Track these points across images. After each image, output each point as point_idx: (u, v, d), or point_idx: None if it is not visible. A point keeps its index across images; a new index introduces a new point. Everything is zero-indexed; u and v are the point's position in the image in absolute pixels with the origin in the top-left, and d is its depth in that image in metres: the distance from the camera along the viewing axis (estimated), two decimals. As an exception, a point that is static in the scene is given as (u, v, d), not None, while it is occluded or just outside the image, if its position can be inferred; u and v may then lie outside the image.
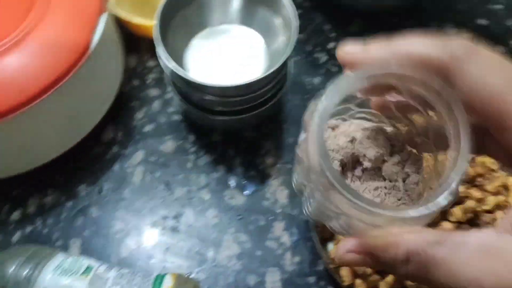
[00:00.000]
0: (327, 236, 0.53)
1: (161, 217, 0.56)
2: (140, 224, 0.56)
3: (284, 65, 0.53)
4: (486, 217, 0.50)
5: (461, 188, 0.50)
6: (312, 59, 0.68)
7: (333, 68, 0.67)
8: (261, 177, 0.59)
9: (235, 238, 0.55)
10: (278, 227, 0.56)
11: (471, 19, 0.72)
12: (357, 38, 0.68)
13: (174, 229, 0.55)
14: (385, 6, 0.70)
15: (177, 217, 0.56)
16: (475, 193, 0.51)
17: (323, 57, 0.69)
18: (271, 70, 0.50)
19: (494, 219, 0.51)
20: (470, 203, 0.50)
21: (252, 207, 0.57)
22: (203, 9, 0.59)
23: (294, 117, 0.63)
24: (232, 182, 0.58)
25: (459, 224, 0.51)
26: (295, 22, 0.53)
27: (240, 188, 0.58)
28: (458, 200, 0.51)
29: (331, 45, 0.70)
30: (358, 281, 0.50)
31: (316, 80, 0.66)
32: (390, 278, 0.50)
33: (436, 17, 0.72)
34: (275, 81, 0.54)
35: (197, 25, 0.59)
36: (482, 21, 0.72)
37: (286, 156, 0.60)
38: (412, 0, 0.71)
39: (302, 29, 0.71)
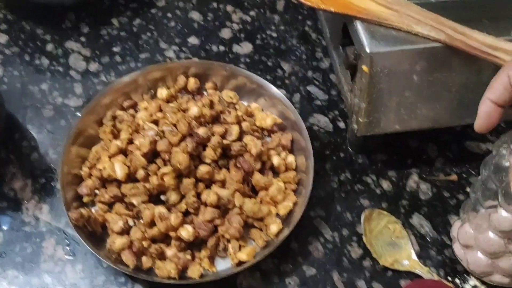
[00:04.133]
0: (98, 233, 0.50)
1: None
2: None
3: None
4: (235, 146, 0.52)
5: (203, 129, 0.51)
6: (34, 67, 0.64)
7: (59, 68, 0.64)
8: (14, 205, 0.53)
9: (4, 279, 0.49)
10: (50, 245, 0.51)
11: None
12: (73, 32, 0.67)
13: None
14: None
15: None
16: (217, 129, 0.52)
17: (44, 62, 0.64)
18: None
19: (244, 144, 0.53)
20: (215, 139, 0.51)
21: (13, 239, 0.51)
22: None
23: (33, 130, 0.58)
24: (-17, 223, 0.52)
25: (215, 163, 0.52)
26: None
27: (-5, 225, 0.52)
28: (205, 142, 0.51)
29: (49, 47, 0.66)
30: (144, 259, 0.48)
31: (44, 86, 0.62)
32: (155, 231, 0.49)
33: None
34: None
35: None
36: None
37: (36, 172, 0.55)
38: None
39: (14, 41, 0.66)
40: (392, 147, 0.58)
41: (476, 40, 0.47)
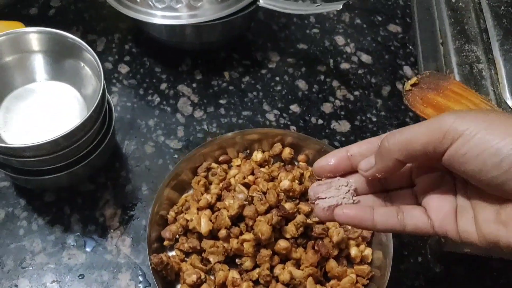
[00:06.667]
0: (172, 278, 0.52)
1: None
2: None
3: (100, 110, 0.53)
4: (318, 228, 0.53)
5: (290, 205, 0.52)
6: (145, 102, 0.69)
7: (167, 108, 0.68)
8: (101, 230, 0.57)
9: (78, 300, 0.52)
10: (124, 278, 0.54)
11: (292, 45, 0.77)
12: (187, 77, 0.71)
13: (10, 304, 0.51)
14: (210, 44, 0.73)
15: (12, 290, 0.52)
16: (304, 207, 0.54)
17: (156, 99, 0.69)
18: (85, 117, 0.50)
19: (327, 228, 0.53)
20: (300, 218, 0.52)
21: (94, 263, 0.54)
22: (4, 73, 0.57)
23: (132, 163, 0.62)
24: (71, 241, 0.56)
25: (295, 240, 0.53)
26: (98, 68, 0.53)
27: (80, 246, 0.55)
28: (289, 217, 0.53)
29: (163, 86, 0.70)
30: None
31: (151, 122, 0.66)
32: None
33: (260, 47, 0.76)
34: (95, 126, 0.53)
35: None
36: (302, 46, 0.77)
37: (127, 203, 0.59)
38: (235, 35, 0.74)
39: (133, 74, 0.71)
40: (472, 263, 0.57)
41: None
